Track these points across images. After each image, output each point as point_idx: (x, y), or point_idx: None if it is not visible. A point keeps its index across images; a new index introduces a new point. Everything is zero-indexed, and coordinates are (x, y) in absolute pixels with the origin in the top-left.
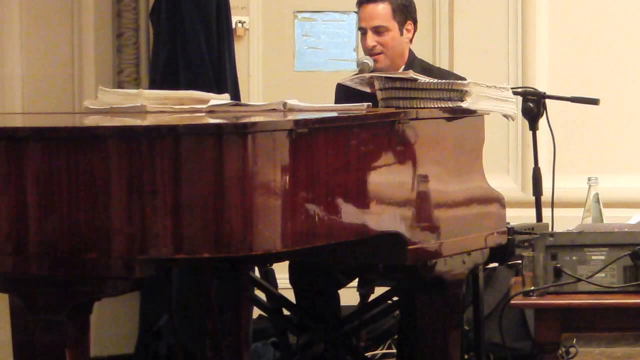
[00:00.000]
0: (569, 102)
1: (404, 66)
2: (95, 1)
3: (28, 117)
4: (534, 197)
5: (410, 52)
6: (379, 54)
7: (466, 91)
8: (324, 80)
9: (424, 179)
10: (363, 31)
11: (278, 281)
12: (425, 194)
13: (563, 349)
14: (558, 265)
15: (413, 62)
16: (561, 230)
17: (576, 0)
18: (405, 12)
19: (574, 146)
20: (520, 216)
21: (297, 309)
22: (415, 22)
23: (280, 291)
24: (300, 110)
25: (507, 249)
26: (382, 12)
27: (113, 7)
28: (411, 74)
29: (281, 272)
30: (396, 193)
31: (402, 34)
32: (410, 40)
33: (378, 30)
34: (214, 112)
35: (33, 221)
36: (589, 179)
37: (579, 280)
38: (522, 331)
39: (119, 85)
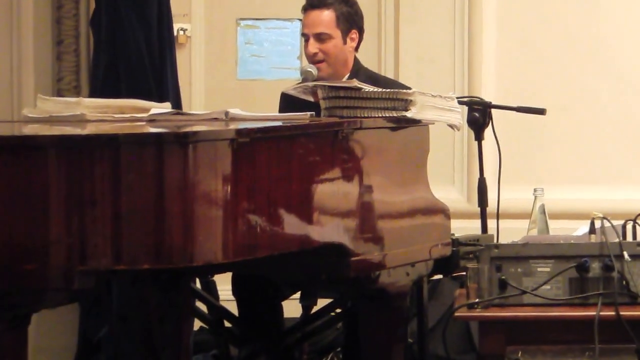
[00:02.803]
0: (515, 112)
1: (348, 74)
2: (35, 8)
3: None
4: (479, 208)
5: (356, 61)
6: (321, 61)
7: (411, 100)
8: (267, 88)
9: (368, 189)
10: (306, 37)
11: (220, 293)
12: (369, 204)
13: None
14: (503, 277)
15: (358, 71)
16: (506, 242)
17: (523, 11)
18: (350, 21)
19: (520, 157)
20: (465, 227)
21: (239, 321)
22: (361, 31)
23: (222, 303)
24: (243, 119)
25: (452, 260)
26: (325, 20)
27: (53, 14)
28: (355, 83)
29: (223, 283)
30: (339, 204)
31: (345, 43)
32: (356, 49)
33: (320, 38)
34: (155, 121)
35: None
36: (535, 190)
37: (524, 292)
38: (467, 344)
39: (59, 93)
